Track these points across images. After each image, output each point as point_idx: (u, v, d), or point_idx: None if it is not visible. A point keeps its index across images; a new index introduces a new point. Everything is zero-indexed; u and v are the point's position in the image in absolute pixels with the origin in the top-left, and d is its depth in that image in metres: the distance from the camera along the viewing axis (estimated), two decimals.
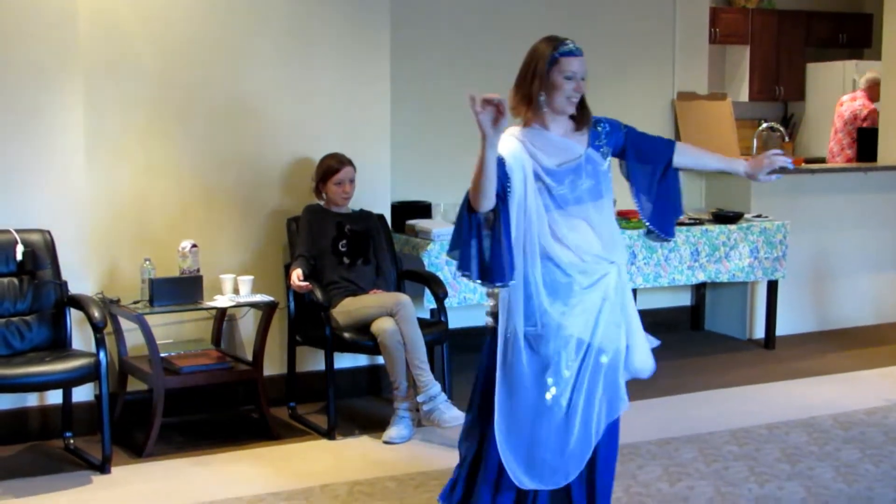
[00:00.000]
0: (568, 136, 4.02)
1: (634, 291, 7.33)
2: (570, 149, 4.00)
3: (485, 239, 3.86)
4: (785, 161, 4.22)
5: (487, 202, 3.79)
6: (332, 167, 5.99)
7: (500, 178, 3.85)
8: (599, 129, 4.08)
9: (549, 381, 3.92)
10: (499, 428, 3.90)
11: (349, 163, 6.02)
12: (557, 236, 3.92)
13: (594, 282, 3.94)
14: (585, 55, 4.00)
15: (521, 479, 3.90)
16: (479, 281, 3.87)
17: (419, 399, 5.54)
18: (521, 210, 3.90)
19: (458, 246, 3.89)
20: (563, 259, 3.91)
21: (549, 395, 3.92)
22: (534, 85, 3.96)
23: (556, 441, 3.91)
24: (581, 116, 4.03)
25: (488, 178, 3.75)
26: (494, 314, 4.02)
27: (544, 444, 3.90)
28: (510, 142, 3.94)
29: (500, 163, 3.85)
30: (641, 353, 4.06)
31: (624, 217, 6.91)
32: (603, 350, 3.95)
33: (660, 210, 4.22)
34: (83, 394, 5.60)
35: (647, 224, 4.22)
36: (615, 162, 4.18)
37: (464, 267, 3.87)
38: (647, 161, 4.19)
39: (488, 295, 4.12)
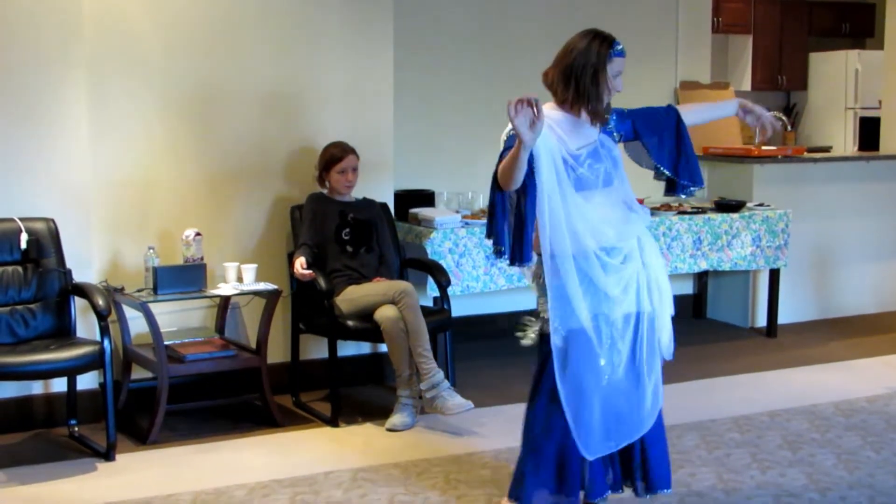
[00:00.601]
0: (583, 121, 4.16)
1: None
2: (588, 133, 4.16)
3: (509, 216, 4.05)
4: (771, 121, 4.41)
5: (515, 185, 3.93)
6: (335, 155, 5.99)
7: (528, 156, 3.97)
8: (608, 116, 4.23)
9: (603, 361, 4.12)
10: (570, 414, 4.07)
11: (352, 151, 6.01)
12: (591, 215, 4.08)
13: (624, 258, 4.15)
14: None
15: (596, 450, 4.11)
16: (508, 259, 4.08)
17: (422, 387, 5.54)
18: (558, 192, 4.02)
19: (494, 226, 4.06)
20: (598, 238, 4.08)
21: (605, 377, 4.12)
22: (588, 79, 4.07)
23: (629, 408, 4.16)
24: (604, 112, 4.20)
25: (520, 170, 3.88)
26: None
27: (617, 415, 4.13)
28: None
29: None
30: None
31: None
32: (650, 312, 4.20)
33: (686, 166, 4.39)
34: (87, 382, 5.60)
35: (683, 183, 4.40)
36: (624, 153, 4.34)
37: (497, 242, 4.07)
38: (657, 129, 4.36)
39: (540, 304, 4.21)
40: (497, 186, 3.99)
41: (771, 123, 4.46)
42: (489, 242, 4.12)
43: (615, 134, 4.23)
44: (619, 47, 4.10)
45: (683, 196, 4.48)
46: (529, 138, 3.72)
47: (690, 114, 4.45)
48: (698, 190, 4.45)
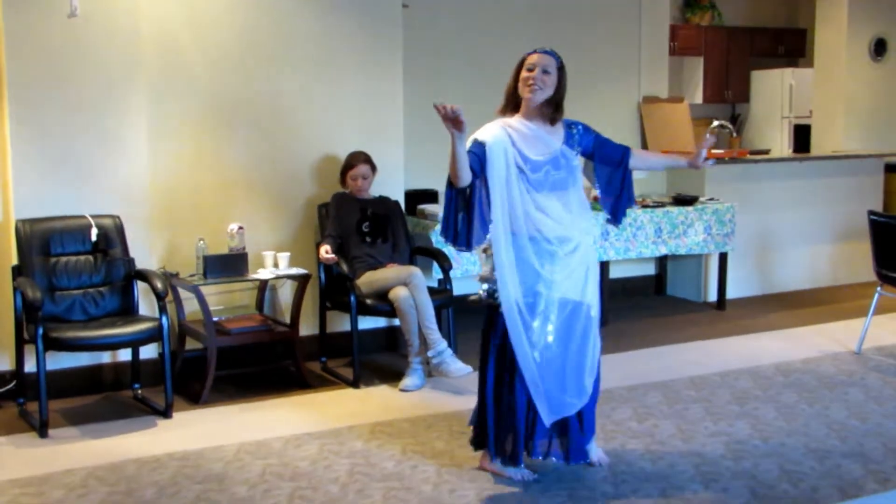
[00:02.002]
0: (547, 133, 4.10)
1: (607, 263, 7.32)
2: (549, 143, 4.10)
3: (461, 211, 3.99)
4: (709, 141, 4.29)
5: (464, 180, 3.90)
6: (350, 163, 5.97)
7: (480, 158, 3.96)
8: (574, 130, 4.22)
9: (538, 336, 4.02)
10: (528, 380, 4.04)
11: (365, 161, 5.97)
12: (538, 213, 4.02)
13: (572, 249, 4.07)
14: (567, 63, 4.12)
15: (546, 418, 4.06)
16: (451, 244, 4.03)
17: (429, 354, 5.52)
18: (506, 191, 3.99)
19: (447, 221, 4.01)
20: (545, 231, 4.02)
21: (536, 353, 4.02)
22: (512, 82, 4.12)
23: (557, 383, 4.06)
24: (553, 113, 4.11)
25: (461, 163, 3.85)
26: (491, 292, 4.12)
27: (552, 387, 4.05)
28: (496, 130, 4.05)
29: (482, 146, 3.97)
30: None
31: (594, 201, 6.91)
32: (591, 306, 4.13)
33: (616, 203, 4.32)
34: (148, 352, 5.58)
35: (607, 214, 4.33)
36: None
37: (446, 235, 4.02)
38: (608, 163, 4.27)
39: (482, 278, 4.16)
40: (449, 184, 3.95)
41: (708, 142, 4.30)
42: (443, 238, 4.06)
43: (577, 147, 4.16)
44: (533, 50, 4.10)
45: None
46: (457, 133, 3.77)
47: (640, 161, 4.34)
48: (616, 224, 4.37)
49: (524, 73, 4.05)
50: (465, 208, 3.98)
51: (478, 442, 4.30)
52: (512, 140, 4.02)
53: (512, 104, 4.12)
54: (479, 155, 3.96)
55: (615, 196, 4.28)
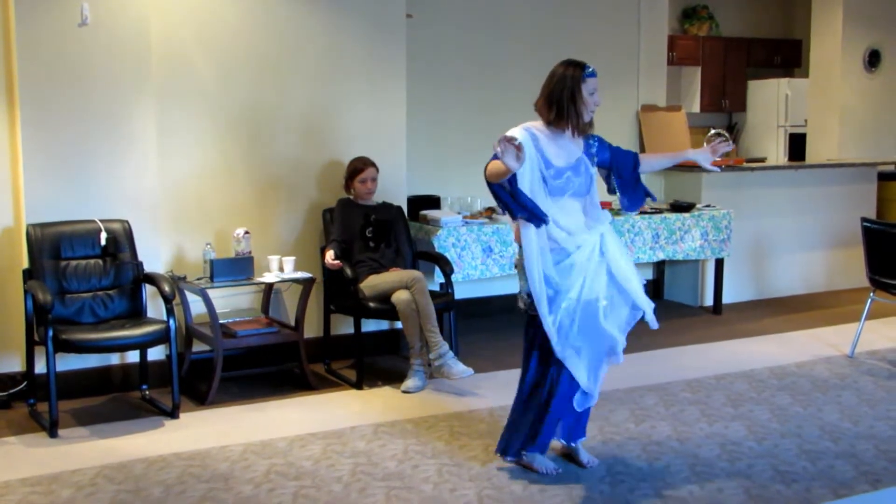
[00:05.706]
0: (570, 141, 4.18)
1: None
2: (572, 151, 4.18)
3: (507, 195, 4.05)
4: (726, 147, 4.35)
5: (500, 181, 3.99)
6: (357, 167, 5.97)
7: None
8: (592, 142, 4.29)
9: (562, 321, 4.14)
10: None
11: (372, 164, 5.99)
12: (556, 218, 4.10)
13: (580, 245, 4.13)
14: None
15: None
16: (525, 217, 4.06)
17: (431, 356, 5.52)
18: (532, 195, 4.05)
19: (503, 206, 4.09)
20: (558, 235, 4.09)
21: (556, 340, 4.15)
22: (566, 99, 4.10)
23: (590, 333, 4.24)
24: (587, 125, 4.21)
25: (504, 177, 3.92)
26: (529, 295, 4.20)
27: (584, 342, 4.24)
28: (524, 135, 4.08)
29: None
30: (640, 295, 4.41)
31: None
32: (599, 297, 4.19)
33: (631, 198, 4.40)
34: (156, 354, 5.59)
35: (623, 210, 4.46)
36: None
37: (512, 213, 4.09)
38: (624, 170, 4.36)
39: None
40: (488, 181, 4.03)
41: (720, 144, 4.36)
42: (508, 219, 4.23)
43: (594, 157, 4.24)
44: (590, 69, 4.13)
45: (628, 211, 4.50)
46: (515, 168, 3.76)
47: (647, 164, 4.43)
48: (633, 211, 4.48)
49: (588, 99, 4.10)
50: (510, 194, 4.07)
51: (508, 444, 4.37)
52: (537, 143, 4.06)
53: (567, 117, 4.10)
54: None
55: (634, 195, 4.38)
